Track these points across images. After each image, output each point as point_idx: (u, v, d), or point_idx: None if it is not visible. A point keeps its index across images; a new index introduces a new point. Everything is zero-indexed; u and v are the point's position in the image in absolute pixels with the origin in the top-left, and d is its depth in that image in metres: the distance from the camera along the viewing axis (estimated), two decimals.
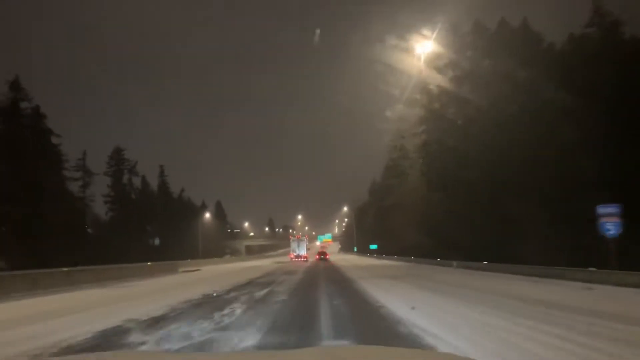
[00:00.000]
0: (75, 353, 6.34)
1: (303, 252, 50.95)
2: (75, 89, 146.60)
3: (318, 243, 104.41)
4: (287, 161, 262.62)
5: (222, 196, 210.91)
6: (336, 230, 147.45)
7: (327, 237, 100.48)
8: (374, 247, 59.91)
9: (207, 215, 74.07)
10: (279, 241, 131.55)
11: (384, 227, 57.24)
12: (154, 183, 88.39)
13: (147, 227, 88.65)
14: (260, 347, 6.35)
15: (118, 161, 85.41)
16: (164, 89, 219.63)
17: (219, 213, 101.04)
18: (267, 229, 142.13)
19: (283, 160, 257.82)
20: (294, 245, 52.37)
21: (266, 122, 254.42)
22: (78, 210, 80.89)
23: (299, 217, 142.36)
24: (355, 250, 76.23)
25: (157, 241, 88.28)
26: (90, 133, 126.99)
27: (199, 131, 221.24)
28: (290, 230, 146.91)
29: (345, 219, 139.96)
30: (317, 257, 52.85)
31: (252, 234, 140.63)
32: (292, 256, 51.39)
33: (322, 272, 26.48)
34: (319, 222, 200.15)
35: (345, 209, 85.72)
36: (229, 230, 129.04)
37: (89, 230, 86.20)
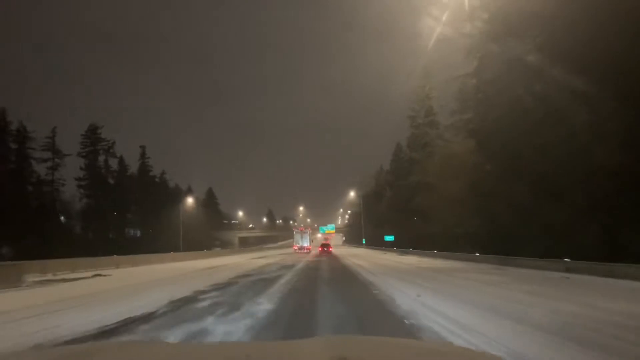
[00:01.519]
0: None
1: (306, 244, 49.88)
2: (45, 61, 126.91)
3: (319, 235, 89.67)
4: (288, 152, 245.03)
5: (219, 186, 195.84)
6: (339, 221, 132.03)
7: (329, 228, 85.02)
8: (390, 238, 44.79)
9: (190, 200, 58.80)
10: (279, 232, 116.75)
11: (406, 214, 41.97)
12: (133, 167, 73.39)
13: (127, 215, 74.03)
14: None
15: (93, 141, 70.96)
16: (151, 66, 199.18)
17: (211, 201, 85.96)
18: (265, 219, 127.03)
19: (284, 151, 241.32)
20: (297, 237, 51.16)
21: (265, 114, 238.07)
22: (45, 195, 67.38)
23: (301, 208, 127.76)
24: (365, 242, 60.99)
25: (137, 232, 73.62)
26: (62, 110, 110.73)
27: (191, 118, 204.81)
28: (291, 222, 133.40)
29: (349, 212, 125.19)
30: (320, 249, 45.68)
31: (251, 225, 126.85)
32: (296, 247, 49.94)
33: (328, 296, 11.06)
34: (321, 212, 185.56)
35: (352, 194, 70.50)
36: (226, 222, 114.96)
37: (62, 218, 72.43)
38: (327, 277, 16.54)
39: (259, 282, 14.54)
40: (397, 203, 45.53)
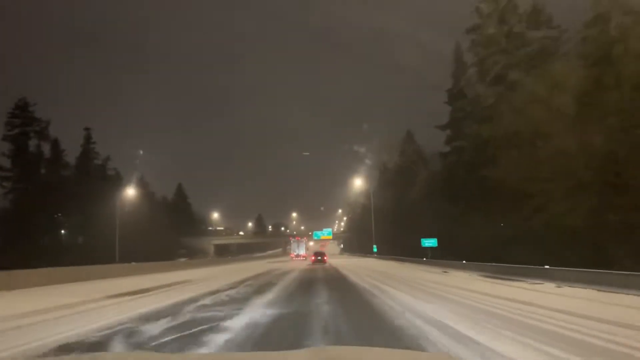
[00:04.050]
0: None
1: (302, 252, 50.94)
2: None
3: (312, 243, 70.39)
4: (280, 156, 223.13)
5: (206, 191, 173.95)
6: (335, 228, 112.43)
7: (325, 233, 65.55)
8: (431, 243, 24.36)
9: (131, 192, 39.26)
10: (269, 239, 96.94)
11: (459, 202, 22.37)
12: (74, 154, 53.92)
13: (68, 216, 54.25)
14: None
15: (24, 121, 51.49)
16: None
17: (180, 201, 66.03)
18: (250, 224, 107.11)
19: (275, 154, 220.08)
20: (294, 245, 52.68)
21: (262, 118, 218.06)
22: None
23: (294, 214, 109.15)
24: (376, 250, 41.55)
25: (79, 238, 53.89)
26: None
27: (174, 119, 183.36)
28: (282, 229, 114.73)
29: (344, 219, 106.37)
30: (313, 258, 39.34)
31: (241, 232, 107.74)
32: (293, 255, 51.25)
33: None
34: (316, 215, 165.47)
35: (358, 182, 51.69)
36: (211, 228, 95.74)
37: None
38: None
39: None
40: (441, 186, 26.06)
